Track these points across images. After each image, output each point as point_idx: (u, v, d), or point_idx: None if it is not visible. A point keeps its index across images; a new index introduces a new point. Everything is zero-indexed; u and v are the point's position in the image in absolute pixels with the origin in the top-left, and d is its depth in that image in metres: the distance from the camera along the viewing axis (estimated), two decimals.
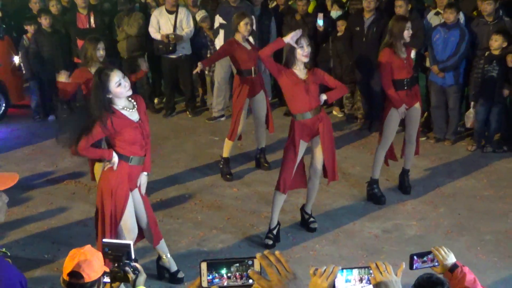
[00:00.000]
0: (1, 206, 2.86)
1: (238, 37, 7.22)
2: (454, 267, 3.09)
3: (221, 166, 7.55)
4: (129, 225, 4.99)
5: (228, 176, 7.47)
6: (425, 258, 3.12)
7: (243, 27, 7.12)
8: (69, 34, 9.69)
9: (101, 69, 4.86)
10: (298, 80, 5.68)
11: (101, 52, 6.44)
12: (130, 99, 4.84)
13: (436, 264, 3.13)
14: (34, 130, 9.36)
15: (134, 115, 4.82)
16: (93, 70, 6.27)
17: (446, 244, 5.67)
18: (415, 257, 3.11)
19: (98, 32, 9.51)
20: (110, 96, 4.70)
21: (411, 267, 3.09)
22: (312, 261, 5.60)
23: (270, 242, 5.97)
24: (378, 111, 8.96)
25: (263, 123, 7.50)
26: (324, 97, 5.84)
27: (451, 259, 3.12)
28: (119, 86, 4.68)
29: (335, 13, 9.15)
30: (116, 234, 4.94)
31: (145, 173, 5.07)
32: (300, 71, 5.72)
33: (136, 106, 4.86)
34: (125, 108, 4.78)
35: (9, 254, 2.78)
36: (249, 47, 7.25)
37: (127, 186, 4.91)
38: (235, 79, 7.45)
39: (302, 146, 5.85)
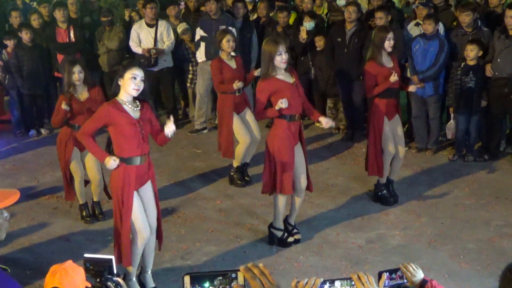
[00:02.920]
0: (1, 224, 2.80)
1: (223, 55, 7.23)
2: (423, 282, 3.12)
3: (232, 173, 7.55)
4: (138, 225, 5.01)
5: (239, 182, 7.48)
6: (393, 275, 3.14)
7: (226, 44, 7.14)
8: (49, 49, 9.65)
9: (132, 61, 5.12)
10: (287, 85, 5.64)
11: (76, 76, 6.17)
12: (136, 101, 4.98)
13: (405, 281, 3.15)
14: (15, 145, 9.29)
15: (135, 113, 4.93)
16: (77, 93, 6.26)
17: (429, 253, 5.77)
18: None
19: (77, 46, 9.51)
20: (120, 83, 4.88)
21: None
22: (296, 273, 5.58)
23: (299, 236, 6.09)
24: (360, 122, 9.03)
25: (256, 138, 7.40)
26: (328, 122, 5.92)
27: (419, 275, 3.15)
28: (133, 80, 4.84)
29: (307, 24, 9.12)
30: (130, 233, 5.00)
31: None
32: (283, 75, 5.67)
33: (139, 107, 4.97)
34: (128, 104, 4.92)
35: (9, 270, 2.74)
36: (234, 66, 7.24)
37: (129, 187, 4.93)
38: (219, 98, 7.42)
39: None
